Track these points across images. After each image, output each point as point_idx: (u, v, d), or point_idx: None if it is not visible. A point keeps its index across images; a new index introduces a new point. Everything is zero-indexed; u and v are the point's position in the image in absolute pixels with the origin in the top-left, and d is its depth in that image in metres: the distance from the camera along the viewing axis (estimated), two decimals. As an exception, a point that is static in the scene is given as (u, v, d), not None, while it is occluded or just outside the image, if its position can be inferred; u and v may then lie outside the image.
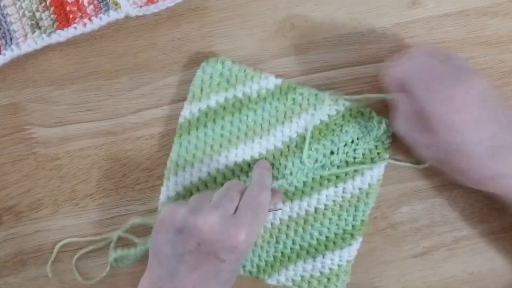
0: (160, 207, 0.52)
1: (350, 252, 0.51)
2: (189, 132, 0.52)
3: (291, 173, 0.52)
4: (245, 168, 0.52)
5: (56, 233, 0.53)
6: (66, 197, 0.53)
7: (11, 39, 0.52)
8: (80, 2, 0.52)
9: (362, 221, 0.51)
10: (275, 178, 0.52)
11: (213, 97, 0.52)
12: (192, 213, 0.45)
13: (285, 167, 0.52)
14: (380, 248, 0.52)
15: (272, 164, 0.52)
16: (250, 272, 0.52)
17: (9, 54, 0.52)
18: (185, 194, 0.52)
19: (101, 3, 0.52)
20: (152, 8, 0.53)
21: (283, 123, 0.52)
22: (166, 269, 0.45)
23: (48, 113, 0.53)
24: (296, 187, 0.52)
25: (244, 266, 0.52)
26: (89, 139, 0.53)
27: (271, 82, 0.52)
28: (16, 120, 0.53)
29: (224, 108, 0.52)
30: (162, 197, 0.52)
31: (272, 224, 0.52)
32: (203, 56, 0.53)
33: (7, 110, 0.53)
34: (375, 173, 0.51)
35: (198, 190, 0.52)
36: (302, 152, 0.51)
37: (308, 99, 0.52)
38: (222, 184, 0.50)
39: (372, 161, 0.51)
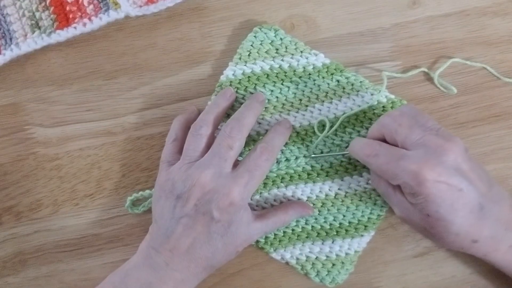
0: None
1: (360, 243, 0.51)
2: None
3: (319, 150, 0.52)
4: None
5: (56, 233, 0.53)
6: (66, 197, 0.53)
7: (11, 39, 0.52)
8: (80, 2, 0.52)
9: (379, 215, 0.51)
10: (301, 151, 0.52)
11: (259, 63, 0.52)
12: (189, 169, 0.46)
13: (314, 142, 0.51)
14: (380, 248, 0.52)
15: (303, 139, 0.52)
16: (257, 242, 0.51)
17: (8, 54, 0.52)
18: None
19: (101, 3, 0.52)
20: (152, 8, 0.53)
21: (323, 102, 0.52)
22: (163, 231, 0.46)
23: (48, 113, 0.53)
24: (322, 167, 0.51)
25: None
26: (89, 139, 0.53)
27: (319, 59, 0.52)
28: (15, 120, 0.53)
29: (267, 76, 0.52)
30: None
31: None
32: (203, 54, 0.53)
33: (7, 110, 0.53)
34: None
35: None
36: (336, 134, 0.51)
37: (352, 84, 0.52)
38: (247, 149, 0.51)
39: None
